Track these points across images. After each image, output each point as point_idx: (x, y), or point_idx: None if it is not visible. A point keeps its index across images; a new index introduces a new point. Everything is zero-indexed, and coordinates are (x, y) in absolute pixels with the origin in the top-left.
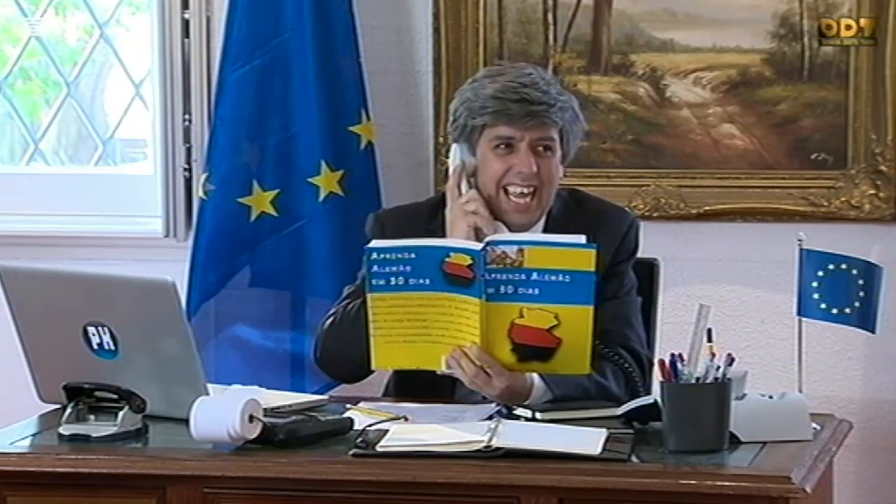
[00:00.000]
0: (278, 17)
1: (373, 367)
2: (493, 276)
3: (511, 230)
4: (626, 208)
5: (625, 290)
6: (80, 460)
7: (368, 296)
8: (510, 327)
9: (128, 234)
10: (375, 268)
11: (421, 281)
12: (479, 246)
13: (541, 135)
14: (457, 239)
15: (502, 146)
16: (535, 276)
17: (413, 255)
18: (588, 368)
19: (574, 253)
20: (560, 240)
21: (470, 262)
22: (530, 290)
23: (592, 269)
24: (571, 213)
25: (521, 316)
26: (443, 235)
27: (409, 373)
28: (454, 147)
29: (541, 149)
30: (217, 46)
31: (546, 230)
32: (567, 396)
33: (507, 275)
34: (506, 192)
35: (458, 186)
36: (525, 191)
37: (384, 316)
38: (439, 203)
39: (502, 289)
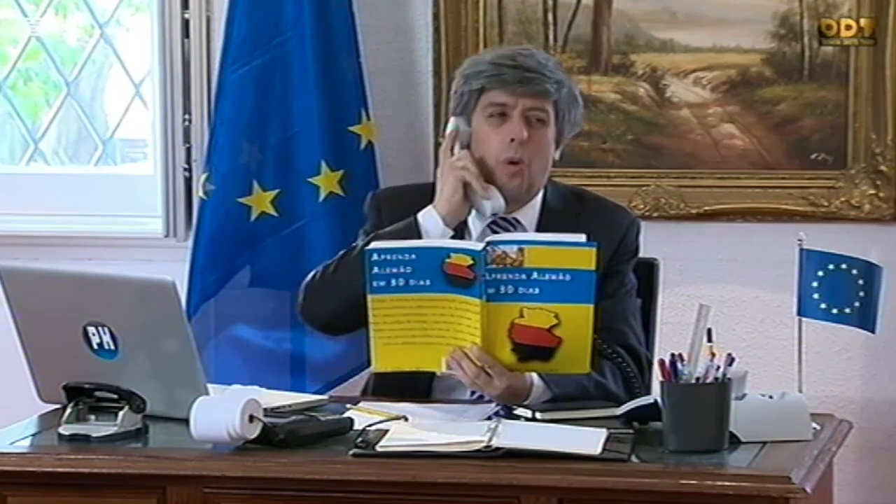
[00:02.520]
0: (278, 17)
1: (373, 369)
2: (493, 276)
3: (503, 195)
4: (628, 209)
5: (624, 289)
6: (80, 460)
7: (369, 297)
8: (510, 327)
9: (128, 234)
10: (376, 269)
11: (421, 282)
12: (479, 246)
13: (534, 104)
14: (458, 240)
15: (496, 115)
16: (535, 275)
17: (413, 257)
18: (588, 367)
19: (574, 252)
20: (560, 239)
21: (470, 262)
22: (531, 290)
23: (593, 267)
24: (571, 206)
25: (522, 316)
26: None
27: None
28: (452, 120)
29: (534, 119)
30: (217, 46)
31: (542, 220)
32: (566, 395)
33: (507, 274)
34: (495, 161)
35: (451, 150)
36: (514, 157)
37: (383, 318)
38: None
39: (502, 289)
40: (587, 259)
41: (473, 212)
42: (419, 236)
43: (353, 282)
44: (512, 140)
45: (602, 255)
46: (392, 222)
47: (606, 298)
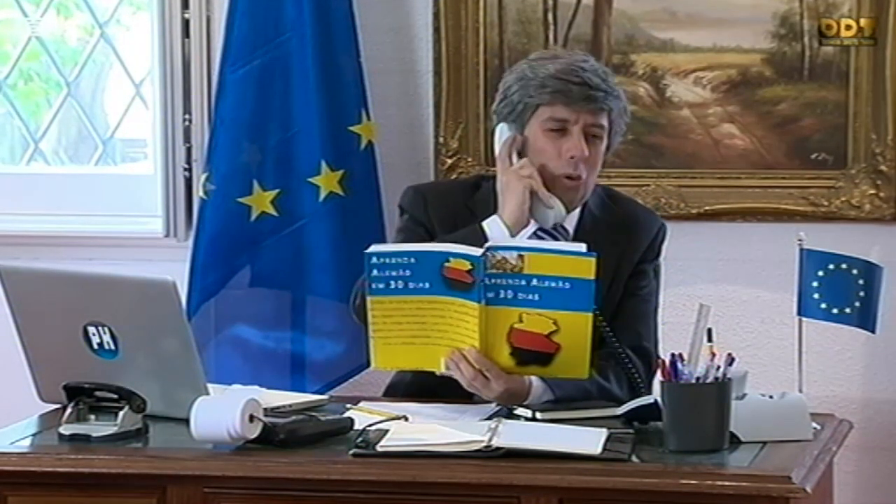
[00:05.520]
0: (278, 17)
1: (372, 367)
2: (493, 280)
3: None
4: (656, 214)
5: (646, 289)
6: (80, 460)
7: (368, 299)
8: (509, 331)
9: (128, 234)
10: (375, 272)
11: (420, 285)
12: (479, 251)
13: (594, 120)
14: (456, 245)
15: (554, 128)
16: (535, 281)
17: (413, 260)
18: (587, 374)
19: (574, 261)
20: (560, 247)
21: (469, 267)
22: (530, 296)
23: (592, 276)
24: (607, 209)
25: (521, 321)
26: (482, 212)
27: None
28: (500, 126)
29: (591, 135)
30: (217, 46)
31: (581, 224)
32: (568, 397)
33: (507, 280)
34: (553, 173)
35: (510, 157)
36: (573, 174)
37: (383, 318)
38: (476, 184)
39: (502, 293)
40: (587, 268)
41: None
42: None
43: None
44: (572, 157)
45: (631, 256)
46: (439, 217)
47: (629, 297)
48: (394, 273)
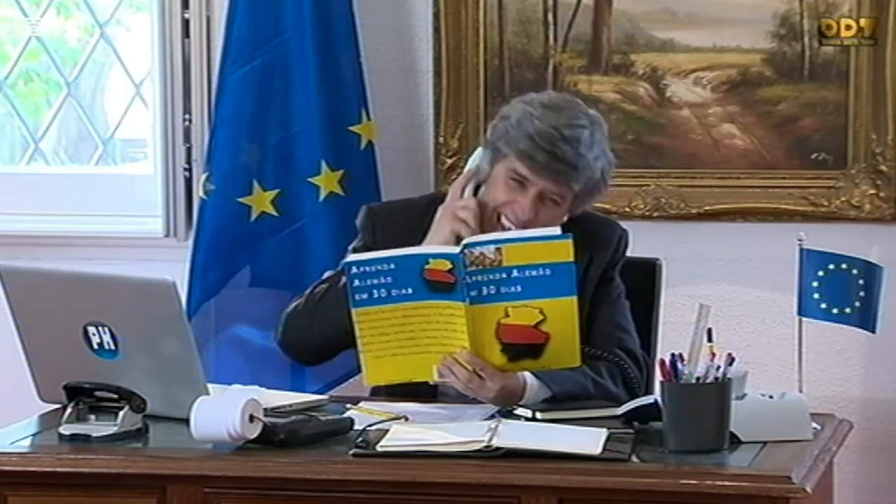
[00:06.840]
0: (278, 17)
1: (365, 384)
2: (474, 278)
3: None
4: (616, 222)
5: (616, 292)
6: (81, 460)
7: (353, 311)
8: (497, 328)
9: (128, 234)
10: (356, 282)
11: (403, 291)
12: (456, 249)
13: (555, 189)
14: (434, 245)
15: (515, 180)
16: (515, 273)
17: (393, 266)
18: (579, 360)
19: (551, 245)
20: (536, 234)
21: (450, 266)
22: (513, 288)
23: (571, 259)
24: (565, 228)
25: (507, 315)
26: None
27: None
28: (479, 150)
29: (548, 200)
30: (217, 46)
31: None
32: (566, 393)
33: (488, 275)
34: (499, 218)
35: (463, 189)
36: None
37: (370, 331)
38: (435, 200)
39: (485, 290)
40: (565, 251)
41: None
42: None
43: (340, 312)
44: (517, 214)
45: (597, 266)
46: (386, 238)
47: (600, 305)
48: (375, 281)
